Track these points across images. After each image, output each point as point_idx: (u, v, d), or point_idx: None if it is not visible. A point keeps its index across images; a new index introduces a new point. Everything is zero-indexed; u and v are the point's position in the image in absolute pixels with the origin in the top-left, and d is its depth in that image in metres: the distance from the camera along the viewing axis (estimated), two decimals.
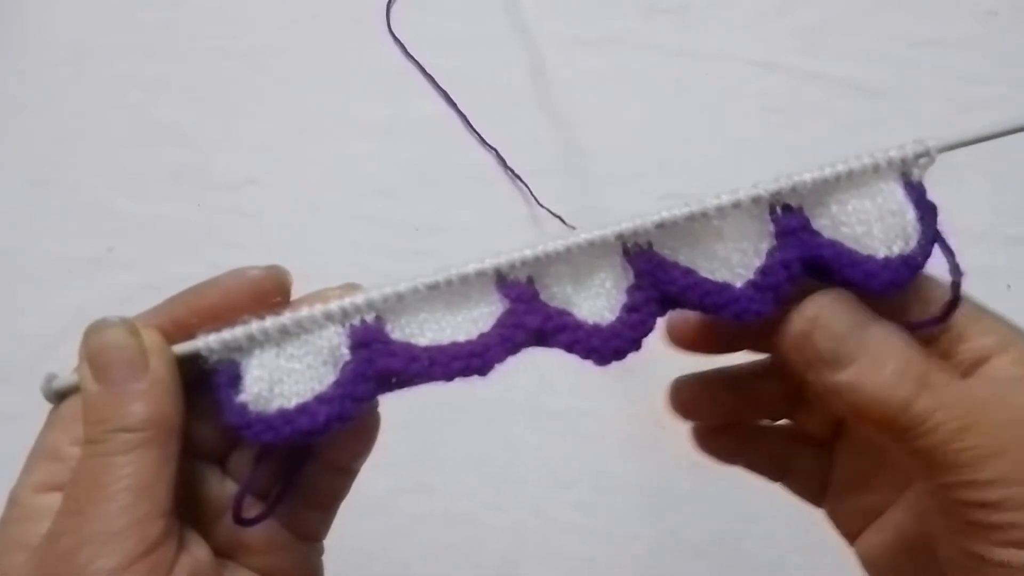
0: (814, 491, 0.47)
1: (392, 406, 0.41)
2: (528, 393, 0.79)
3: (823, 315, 0.36)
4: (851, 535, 0.45)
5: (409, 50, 0.93)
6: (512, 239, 0.85)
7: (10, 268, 0.86)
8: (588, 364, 0.39)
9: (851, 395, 0.36)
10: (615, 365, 0.39)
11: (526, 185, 0.86)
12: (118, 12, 0.97)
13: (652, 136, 0.90)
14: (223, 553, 0.40)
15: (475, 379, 0.38)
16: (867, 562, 0.44)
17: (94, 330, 0.38)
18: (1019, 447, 0.35)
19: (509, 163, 0.88)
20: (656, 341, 0.41)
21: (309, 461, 0.42)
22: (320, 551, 0.44)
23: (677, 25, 0.95)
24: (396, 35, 0.94)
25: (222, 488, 0.41)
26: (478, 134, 0.90)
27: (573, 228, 0.75)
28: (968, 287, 0.38)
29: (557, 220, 0.85)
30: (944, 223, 0.39)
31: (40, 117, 0.92)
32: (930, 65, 0.91)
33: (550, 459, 0.78)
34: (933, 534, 0.38)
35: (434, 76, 0.92)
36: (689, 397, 0.46)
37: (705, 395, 0.46)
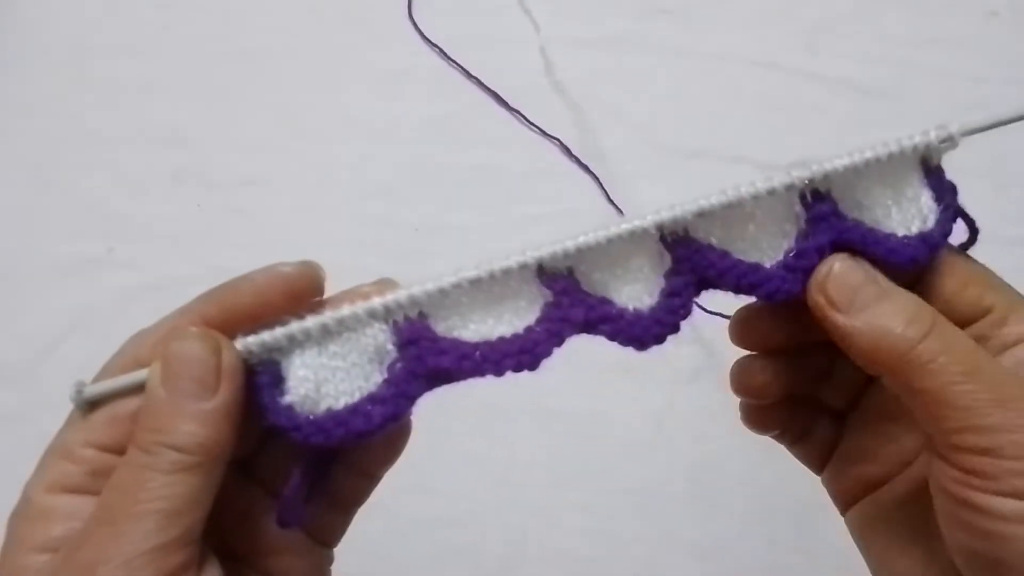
0: (819, 459, 0.47)
1: None
2: (529, 394, 0.79)
3: (841, 268, 0.39)
4: (846, 504, 0.46)
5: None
6: (512, 239, 0.85)
7: (10, 268, 0.86)
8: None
9: (862, 337, 0.37)
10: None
11: (520, 114, 0.84)
12: (118, 12, 0.96)
13: (652, 136, 0.90)
14: (234, 554, 0.40)
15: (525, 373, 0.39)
16: (858, 530, 0.45)
17: (179, 336, 0.36)
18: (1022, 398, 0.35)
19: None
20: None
21: (336, 463, 0.41)
22: (330, 559, 0.44)
23: (677, 25, 0.95)
24: (418, 25, 0.94)
25: (240, 491, 0.40)
26: (494, 93, 0.90)
27: (560, 142, 0.79)
28: None
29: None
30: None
31: (40, 117, 0.92)
32: (930, 65, 0.91)
33: (550, 460, 0.78)
34: (932, 488, 0.38)
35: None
36: (746, 373, 0.47)
37: (755, 370, 0.47)
